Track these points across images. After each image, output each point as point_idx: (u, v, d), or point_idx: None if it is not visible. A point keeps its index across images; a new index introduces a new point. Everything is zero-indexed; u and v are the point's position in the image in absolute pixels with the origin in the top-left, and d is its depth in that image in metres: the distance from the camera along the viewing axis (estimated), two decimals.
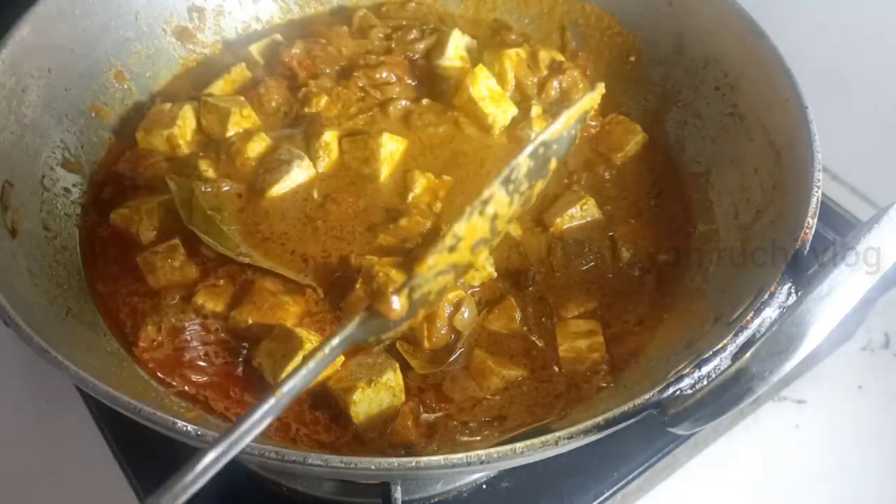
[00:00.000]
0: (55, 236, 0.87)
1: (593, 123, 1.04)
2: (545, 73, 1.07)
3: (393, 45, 1.09)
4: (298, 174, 0.94)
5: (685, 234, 0.93)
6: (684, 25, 1.02)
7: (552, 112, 1.04)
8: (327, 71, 1.05)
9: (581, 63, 1.10)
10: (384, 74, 1.05)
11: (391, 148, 0.97)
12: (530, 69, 1.07)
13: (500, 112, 1.01)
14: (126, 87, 1.02)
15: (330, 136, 0.97)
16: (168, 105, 1.00)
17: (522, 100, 1.05)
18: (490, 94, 1.01)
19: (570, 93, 1.06)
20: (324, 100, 1.01)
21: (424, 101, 1.03)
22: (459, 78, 1.02)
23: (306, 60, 1.05)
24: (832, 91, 0.96)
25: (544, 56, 1.07)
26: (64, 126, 0.93)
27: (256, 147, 0.96)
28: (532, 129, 1.00)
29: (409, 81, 1.07)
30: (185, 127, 0.98)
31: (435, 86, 1.06)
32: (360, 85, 1.04)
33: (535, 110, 1.02)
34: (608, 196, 0.97)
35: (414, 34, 1.10)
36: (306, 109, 1.01)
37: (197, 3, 1.09)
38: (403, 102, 1.03)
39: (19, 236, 0.81)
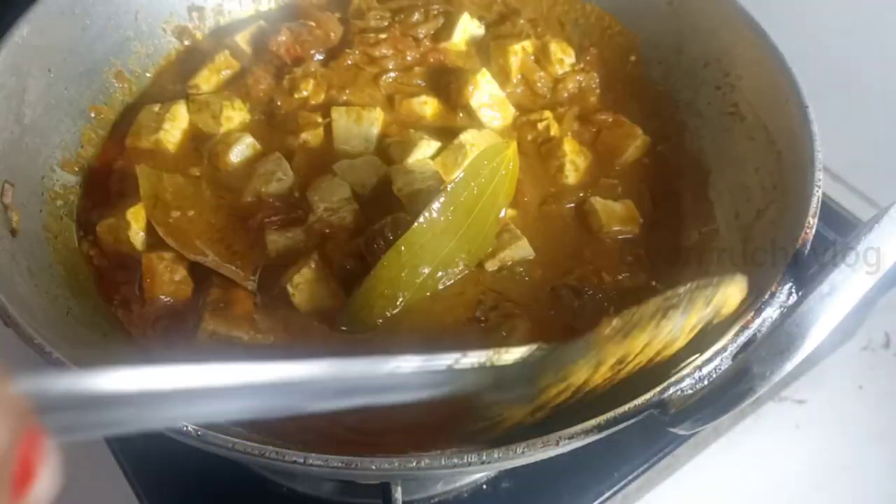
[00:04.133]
0: (55, 236, 0.87)
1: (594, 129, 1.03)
2: (557, 68, 1.06)
3: (396, 26, 1.07)
4: (276, 187, 0.91)
5: (686, 236, 0.93)
6: (685, 25, 1.02)
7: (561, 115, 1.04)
8: (317, 57, 1.04)
9: (591, 59, 1.09)
10: (383, 50, 1.04)
11: (378, 122, 0.97)
12: (538, 64, 1.06)
13: (500, 117, 1.01)
14: (126, 86, 1.02)
15: (309, 135, 0.96)
16: (157, 107, 0.98)
17: (533, 94, 1.05)
18: (490, 101, 1.01)
19: (586, 94, 1.06)
20: (311, 84, 1.00)
21: (418, 82, 1.04)
22: (463, 79, 1.01)
23: (294, 47, 1.03)
24: (833, 91, 0.96)
25: (555, 49, 1.07)
26: (64, 126, 0.93)
27: (239, 150, 0.94)
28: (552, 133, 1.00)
29: (409, 58, 1.05)
30: (173, 129, 0.97)
31: (439, 78, 1.05)
32: (349, 63, 1.03)
33: (544, 123, 1.00)
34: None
35: (417, 17, 1.08)
36: (295, 95, 1.00)
37: (197, 2, 1.09)
38: (392, 75, 1.03)
39: (19, 236, 0.81)
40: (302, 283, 0.82)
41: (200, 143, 0.97)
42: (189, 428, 0.61)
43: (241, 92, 1.01)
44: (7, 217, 0.80)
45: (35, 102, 0.88)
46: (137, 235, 0.87)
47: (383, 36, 1.05)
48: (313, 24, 1.06)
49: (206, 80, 1.03)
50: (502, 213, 0.90)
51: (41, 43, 0.90)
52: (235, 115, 0.99)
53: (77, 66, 0.95)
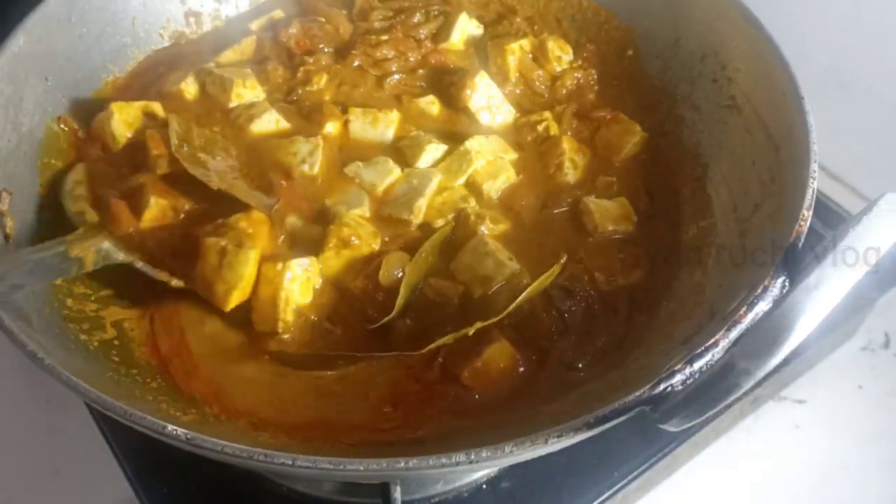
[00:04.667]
0: None
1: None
2: (555, 66, 1.06)
3: (398, 27, 1.07)
4: (298, 174, 0.92)
5: (684, 231, 0.93)
6: (681, 18, 1.01)
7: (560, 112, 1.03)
8: (325, 50, 1.05)
9: (588, 56, 1.09)
10: (385, 52, 1.04)
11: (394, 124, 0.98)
12: (536, 62, 1.06)
13: (499, 119, 1.01)
14: None
15: (332, 127, 0.97)
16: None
17: (531, 93, 1.05)
18: (489, 103, 1.01)
19: (584, 91, 1.06)
20: (324, 78, 1.01)
21: (420, 84, 1.05)
22: (461, 82, 1.01)
23: (304, 40, 1.05)
24: (830, 89, 0.96)
25: (553, 46, 1.07)
26: None
27: (261, 124, 0.95)
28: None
29: (411, 59, 1.06)
30: (187, 89, 0.99)
31: (440, 79, 1.05)
32: (356, 64, 1.04)
33: (544, 124, 1.00)
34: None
35: (418, 17, 1.09)
36: (307, 88, 1.01)
37: (193, 7, 1.10)
38: (397, 77, 1.04)
39: (12, 243, 0.81)
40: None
41: (213, 107, 0.98)
42: (178, 431, 0.62)
43: (261, 77, 1.01)
44: (2, 223, 0.80)
45: (32, 110, 0.89)
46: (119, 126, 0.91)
47: (385, 37, 1.06)
48: (323, 19, 1.07)
49: (229, 60, 1.04)
50: (485, 231, 0.89)
51: (38, 51, 0.90)
52: (247, 93, 0.99)
53: (74, 73, 0.96)
